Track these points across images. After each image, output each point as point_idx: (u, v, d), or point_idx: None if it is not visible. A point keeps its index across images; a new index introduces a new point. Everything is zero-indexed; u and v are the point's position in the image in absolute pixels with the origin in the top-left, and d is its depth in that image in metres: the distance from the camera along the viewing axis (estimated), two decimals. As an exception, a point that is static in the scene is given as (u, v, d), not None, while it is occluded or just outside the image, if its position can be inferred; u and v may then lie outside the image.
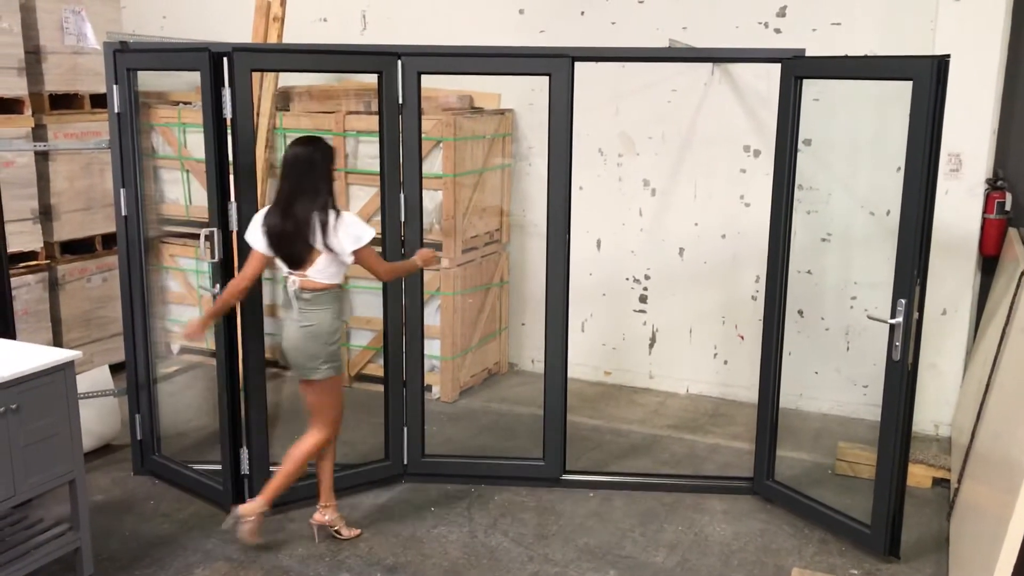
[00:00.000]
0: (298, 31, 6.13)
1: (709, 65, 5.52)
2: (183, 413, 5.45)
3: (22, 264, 5.45)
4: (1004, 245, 4.97)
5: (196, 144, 5.81)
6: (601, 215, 5.92)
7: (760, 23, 5.37)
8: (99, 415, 4.80)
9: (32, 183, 5.47)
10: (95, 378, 4.80)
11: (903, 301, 3.67)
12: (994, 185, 4.95)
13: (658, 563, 3.93)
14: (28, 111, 5.42)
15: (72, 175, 5.74)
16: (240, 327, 4.15)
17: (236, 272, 4.10)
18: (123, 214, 4.45)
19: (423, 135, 4.34)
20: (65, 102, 5.74)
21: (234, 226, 4.05)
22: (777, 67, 4.17)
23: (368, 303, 5.81)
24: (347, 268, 3.80)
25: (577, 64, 4.22)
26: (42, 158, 5.56)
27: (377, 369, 5.65)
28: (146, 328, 4.55)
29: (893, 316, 3.70)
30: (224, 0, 6.70)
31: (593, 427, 5.38)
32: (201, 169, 4.74)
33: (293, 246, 3.70)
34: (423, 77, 4.26)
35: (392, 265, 4.09)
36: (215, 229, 4.04)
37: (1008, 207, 4.95)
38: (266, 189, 5.91)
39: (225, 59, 3.91)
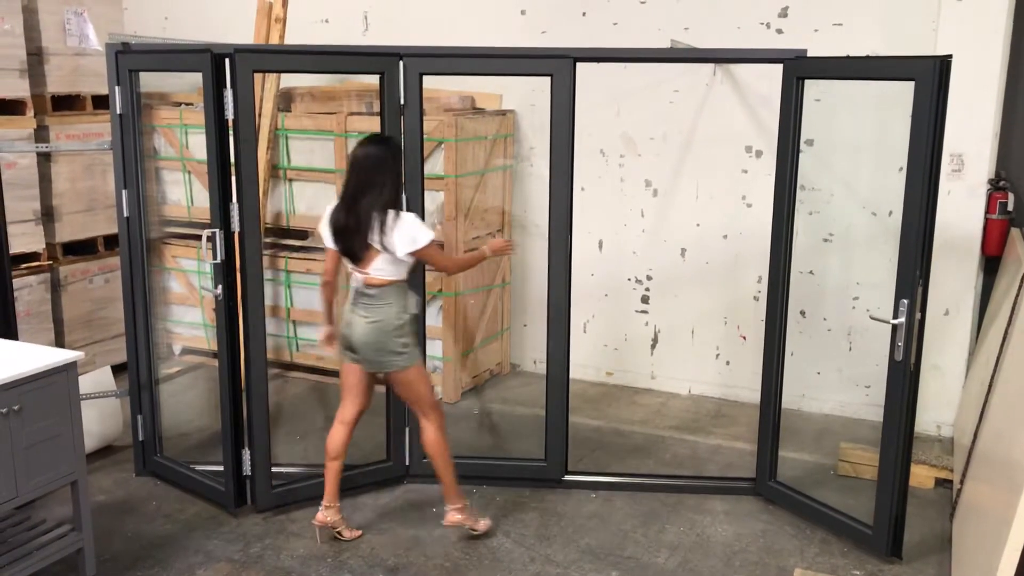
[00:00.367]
0: (300, 32, 6.13)
1: (711, 66, 5.52)
2: (185, 414, 5.46)
3: (24, 265, 5.45)
4: (1006, 245, 4.97)
5: (198, 145, 5.83)
6: (603, 215, 5.92)
7: (762, 24, 5.37)
8: (101, 416, 4.80)
9: (34, 184, 5.48)
10: (97, 379, 4.81)
11: (905, 301, 3.66)
12: (996, 185, 4.95)
13: (660, 564, 3.93)
14: (30, 112, 5.42)
15: (74, 176, 5.74)
16: (242, 328, 4.15)
17: (237, 273, 4.10)
18: (125, 215, 4.45)
19: (424, 136, 4.35)
20: (67, 103, 5.75)
21: (236, 227, 4.05)
22: (779, 68, 4.17)
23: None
24: (411, 264, 3.85)
25: (579, 65, 4.22)
26: (44, 159, 5.57)
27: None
28: (148, 329, 4.55)
29: (895, 316, 3.70)
30: (226, 1, 6.71)
31: (595, 428, 5.38)
32: (203, 170, 4.74)
33: (353, 242, 3.75)
34: (424, 78, 4.26)
35: (459, 259, 4.13)
36: (217, 230, 4.04)
37: (1010, 207, 4.94)
38: (268, 190, 5.93)
39: (227, 60, 3.91)
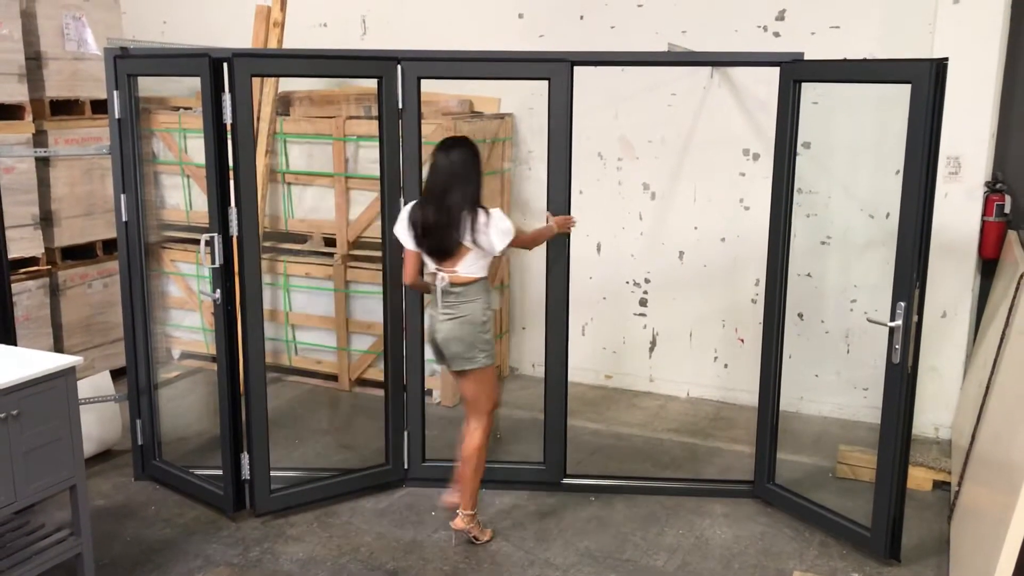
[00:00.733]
0: (298, 36, 6.14)
1: (708, 69, 5.53)
2: (184, 418, 5.46)
3: (23, 270, 5.45)
4: (1003, 248, 4.98)
5: (196, 149, 5.83)
6: (601, 219, 5.92)
7: (759, 27, 5.38)
8: (100, 420, 4.80)
9: (33, 189, 5.48)
10: (96, 383, 4.81)
11: (903, 304, 3.67)
12: (993, 188, 4.96)
13: (659, 567, 3.93)
14: (29, 117, 5.42)
15: (73, 181, 5.75)
16: (241, 332, 4.15)
17: (236, 277, 4.11)
18: (124, 219, 4.45)
19: (423, 139, 4.35)
20: (66, 108, 5.75)
21: (234, 231, 4.05)
22: (776, 71, 4.18)
23: (369, 307, 5.82)
24: (491, 260, 3.91)
25: (576, 68, 4.23)
26: (43, 164, 5.57)
27: (377, 374, 5.66)
28: (147, 333, 4.55)
29: (893, 319, 3.70)
30: (224, 6, 6.72)
31: (594, 431, 5.38)
32: (201, 174, 4.75)
33: (443, 241, 3.80)
34: (422, 82, 4.27)
35: (533, 234, 4.19)
36: (216, 234, 4.05)
37: (1007, 210, 4.95)
38: (266, 194, 5.94)
39: (225, 64, 3.92)
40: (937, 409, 5.13)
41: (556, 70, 4.20)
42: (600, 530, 4.23)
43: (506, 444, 5.16)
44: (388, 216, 4.36)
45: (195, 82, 4.03)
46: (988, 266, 5.13)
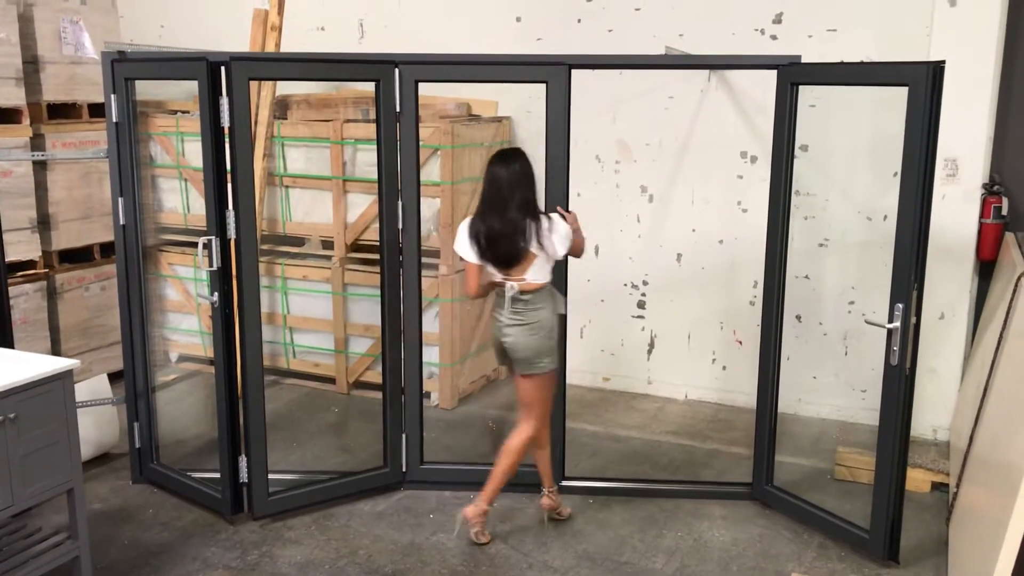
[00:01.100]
0: (296, 40, 6.14)
1: (706, 72, 5.54)
2: (181, 421, 5.45)
3: (20, 273, 5.45)
4: (1001, 249, 4.98)
5: (194, 153, 5.83)
6: (599, 221, 5.92)
7: (756, 30, 5.39)
8: (97, 424, 4.80)
9: (30, 192, 5.47)
10: (93, 387, 4.80)
11: (901, 306, 3.67)
12: (990, 190, 4.97)
13: (657, 569, 3.93)
14: (26, 121, 5.42)
15: (70, 184, 5.74)
16: (238, 335, 4.15)
17: (234, 280, 4.10)
18: (121, 223, 4.45)
19: (420, 143, 4.35)
20: (63, 111, 5.75)
21: (232, 234, 4.05)
22: (773, 73, 4.19)
23: (367, 310, 5.82)
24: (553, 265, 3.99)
25: (574, 72, 4.23)
26: (40, 167, 5.57)
27: (375, 376, 5.66)
28: (144, 337, 4.55)
29: (891, 321, 3.71)
30: (222, 9, 6.72)
31: (592, 433, 5.38)
32: (199, 178, 4.75)
33: (510, 249, 3.87)
34: (420, 85, 4.27)
35: (576, 238, 4.17)
36: (213, 237, 4.04)
37: (1005, 212, 4.96)
38: (264, 197, 5.94)
39: (223, 68, 3.91)
40: (935, 411, 5.13)
41: (554, 73, 4.20)
42: (598, 532, 4.23)
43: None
44: (385, 219, 4.36)
45: (192, 86, 4.03)
46: (986, 268, 5.14)
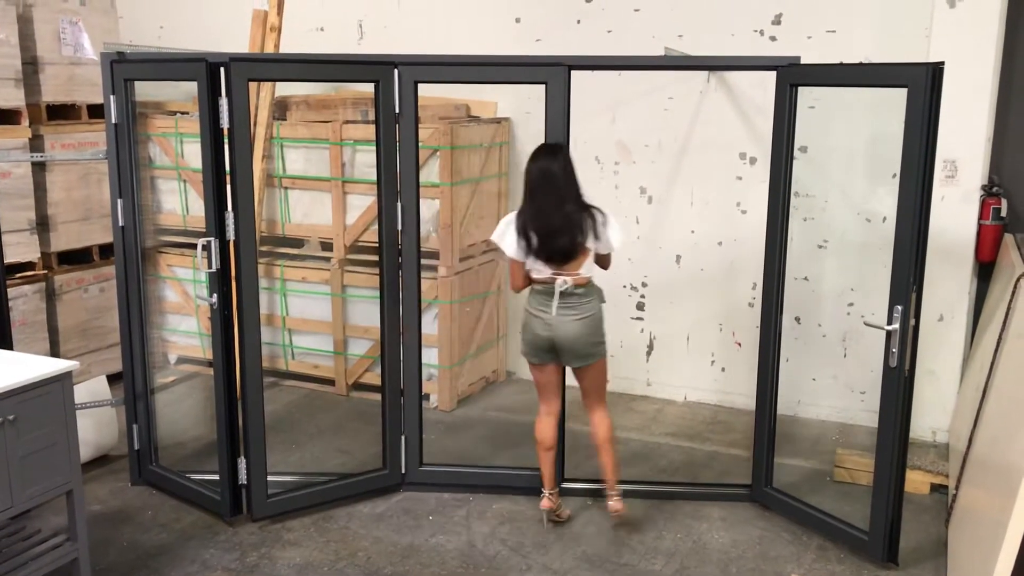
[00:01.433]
0: (295, 41, 6.14)
1: (705, 73, 5.54)
2: (181, 423, 5.45)
3: (19, 274, 5.44)
4: (1000, 251, 4.98)
5: (193, 154, 5.82)
6: (598, 223, 5.92)
7: (756, 31, 5.39)
8: (96, 425, 4.79)
9: (29, 193, 5.47)
10: (92, 388, 4.79)
11: (900, 307, 3.67)
12: (989, 191, 4.97)
13: (656, 571, 3.93)
14: (25, 122, 5.42)
15: (69, 185, 5.74)
16: (237, 336, 4.15)
17: (233, 281, 4.10)
18: (120, 224, 4.45)
19: (420, 144, 4.35)
20: (62, 112, 5.74)
21: (231, 235, 4.05)
22: (773, 75, 4.19)
23: (366, 311, 5.81)
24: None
25: (573, 72, 4.22)
26: (39, 168, 5.57)
27: (374, 378, 5.65)
28: (143, 338, 4.55)
29: (890, 322, 3.71)
30: (221, 10, 6.72)
31: (591, 434, 5.36)
32: (198, 179, 4.75)
33: (568, 245, 3.91)
34: (419, 86, 4.27)
35: None
36: (212, 238, 4.04)
37: (1004, 213, 4.96)
38: (263, 198, 5.93)
39: (222, 69, 3.91)
40: (934, 412, 5.13)
41: (553, 74, 4.20)
42: (598, 534, 4.23)
43: (505, 449, 5.15)
44: (385, 220, 4.36)
45: (192, 86, 4.02)
46: (985, 269, 5.14)
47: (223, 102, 3.94)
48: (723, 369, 5.85)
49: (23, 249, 5.45)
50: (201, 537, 4.16)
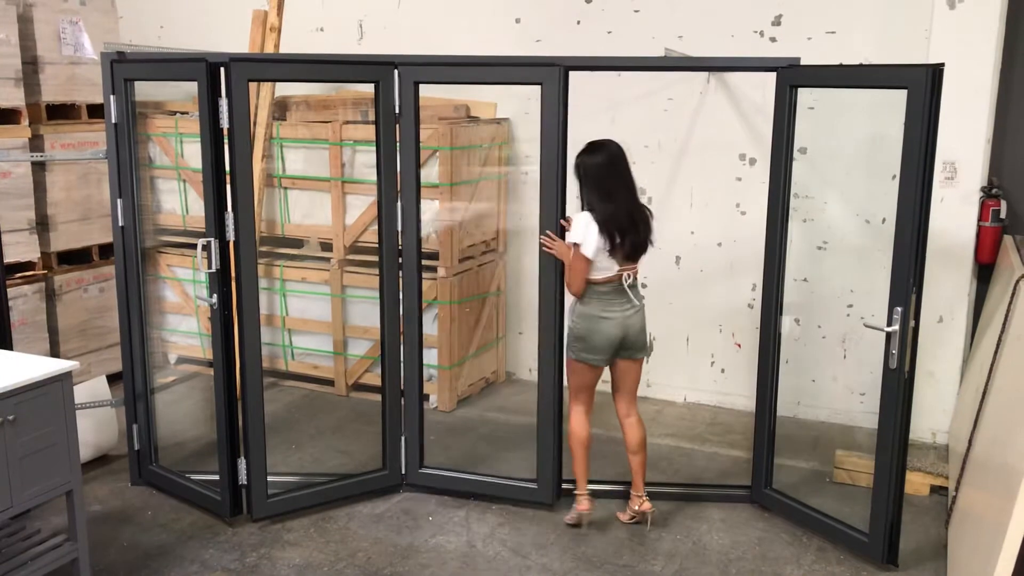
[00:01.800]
0: (295, 41, 6.14)
1: (705, 74, 5.54)
2: (181, 423, 5.44)
3: (19, 274, 5.44)
4: (999, 253, 4.99)
5: (193, 154, 5.82)
6: (598, 224, 5.92)
7: (755, 32, 5.39)
8: (96, 425, 4.79)
9: (29, 193, 5.47)
10: (92, 388, 4.79)
11: (899, 309, 3.67)
12: (989, 193, 4.97)
13: (656, 572, 3.93)
14: (25, 121, 5.42)
15: (69, 185, 5.74)
16: (237, 336, 4.15)
17: (233, 281, 4.10)
18: (120, 224, 4.45)
19: (420, 144, 4.34)
20: (62, 112, 5.74)
21: (231, 235, 4.05)
22: (772, 76, 4.19)
23: (365, 312, 5.81)
24: None
25: (573, 73, 4.21)
26: (39, 168, 5.57)
27: (374, 378, 5.65)
28: (143, 338, 4.54)
29: (890, 324, 3.71)
30: (221, 10, 6.72)
31: (591, 435, 5.36)
32: (198, 179, 4.74)
33: (643, 240, 4.05)
34: (420, 87, 4.26)
35: None
36: (212, 239, 4.04)
37: (1003, 215, 4.96)
38: (263, 198, 5.93)
39: (222, 69, 3.91)
40: (934, 414, 5.13)
41: (549, 75, 4.12)
42: (597, 535, 4.23)
43: (505, 450, 5.15)
44: (385, 220, 4.36)
45: (192, 86, 4.03)
46: (984, 271, 5.14)
47: (223, 102, 3.94)
48: (723, 370, 5.86)
49: (23, 249, 5.45)
50: (201, 537, 4.16)
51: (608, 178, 3.95)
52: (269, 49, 5.80)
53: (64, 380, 3.44)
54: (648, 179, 5.82)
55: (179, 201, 6.21)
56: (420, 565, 3.95)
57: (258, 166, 5.71)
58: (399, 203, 4.36)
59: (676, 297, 5.87)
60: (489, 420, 5.65)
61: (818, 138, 5.18)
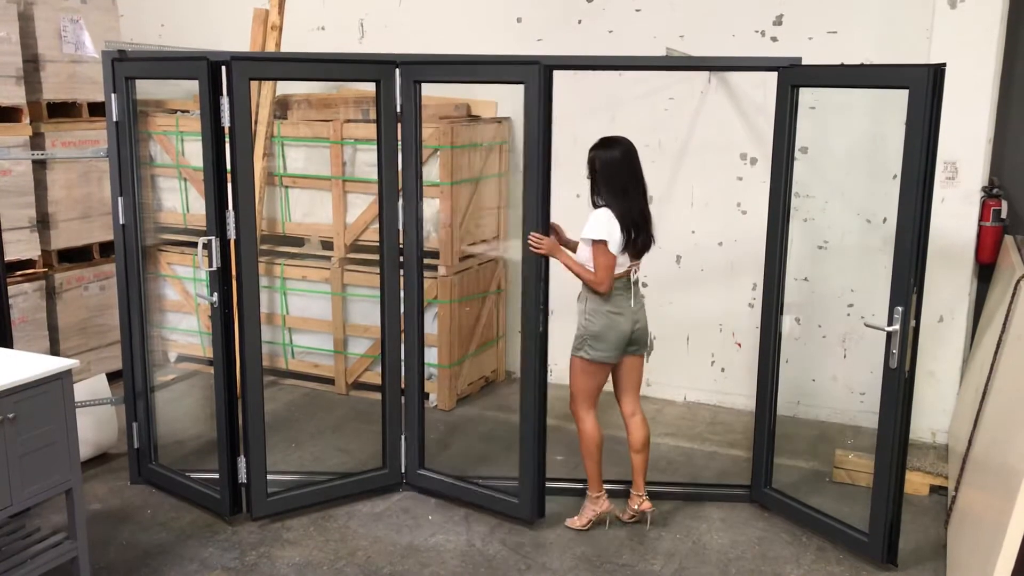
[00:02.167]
0: (296, 40, 6.14)
1: (706, 73, 5.53)
2: (180, 421, 5.45)
3: (19, 272, 5.44)
4: (1000, 252, 4.98)
5: (193, 152, 5.83)
6: (598, 223, 5.91)
7: (757, 31, 5.39)
8: (96, 424, 4.79)
9: (30, 191, 5.47)
10: (92, 387, 4.79)
11: (900, 309, 3.67)
12: (990, 193, 4.97)
13: (656, 571, 3.93)
14: (26, 119, 5.42)
15: (70, 183, 5.74)
16: (238, 335, 4.15)
17: (233, 280, 4.10)
18: (121, 222, 4.45)
19: (422, 143, 4.34)
20: (63, 110, 5.75)
21: (232, 234, 4.05)
22: (773, 75, 4.19)
23: (366, 310, 5.81)
24: None
25: (574, 73, 4.19)
26: (40, 166, 5.57)
27: (374, 377, 5.65)
28: (143, 336, 4.54)
29: (890, 324, 3.71)
30: (222, 9, 6.72)
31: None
32: (198, 177, 4.74)
33: (651, 235, 4.09)
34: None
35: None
36: (213, 237, 4.04)
37: (1004, 215, 4.96)
38: (264, 197, 5.93)
39: (223, 68, 3.91)
40: (934, 414, 5.13)
41: (530, 73, 3.93)
42: (597, 534, 4.23)
43: (504, 451, 5.14)
44: (386, 219, 4.36)
45: (193, 85, 4.03)
46: (985, 271, 5.14)
47: (224, 101, 3.94)
48: (723, 369, 5.85)
49: (23, 247, 5.45)
50: (200, 536, 4.16)
51: (623, 174, 3.98)
52: (270, 48, 5.81)
53: (64, 378, 3.44)
54: (649, 178, 5.74)
55: (180, 199, 6.22)
56: (420, 564, 3.95)
57: (259, 164, 5.71)
58: (400, 202, 4.36)
59: (676, 296, 5.87)
60: (489, 419, 5.65)
61: (819, 138, 5.18)
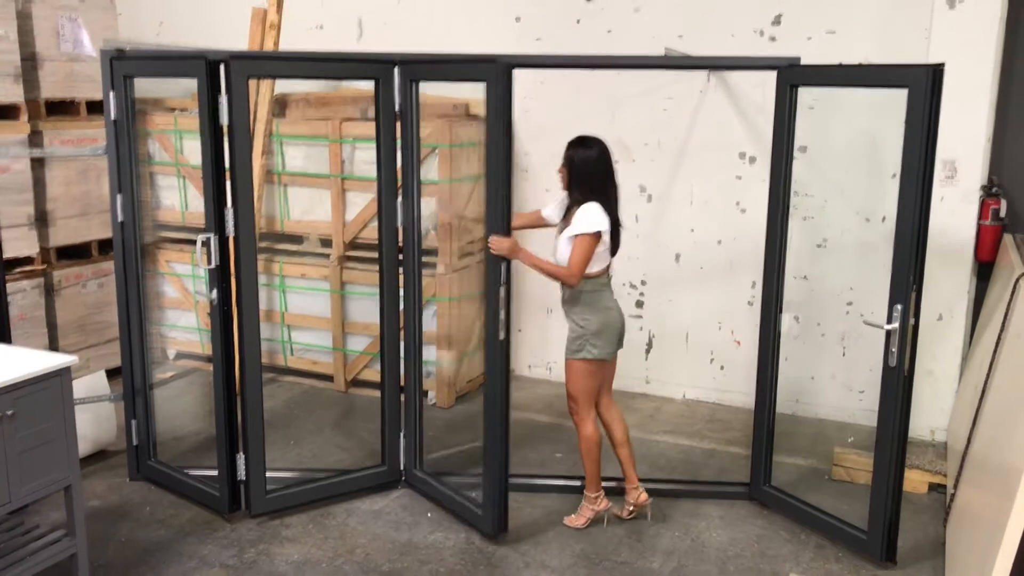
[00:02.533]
0: (294, 38, 6.13)
1: (705, 73, 5.54)
2: (179, 418, 5.45)
3: (18, 269, 5.44)
4: (999, 251, 4.99)
5: (192, 150, 5.82)
6: (597, 221, 5.92)
7: (755, 31, 5.39)
8: (95, 421, 4.79)
9: (28, 188, 5.47)
10: (91, 383, 4.79)
11: (899, 307, 3.68)
12: (989, 192, 4.98)
13: (655, 569, 3.93)
14: (24, 117, 5.41)
15: (68, 181, 5.74)
16: (236, 332, 4.15)
17: (232, 277, 4.10)
18: (119, 220, 4.44)
19: (421, 142, 4.34)
20: (61, 109, 5.74)
21: (231, 232, 4.04)
22: (773, 74, 4.19)
23: (364, 308, 5.81)
24: None
25: (575, 72, 4.18)
26: (38, 164, 5.56)
27: (373, 374, 5.65)
28: (142, 333, 4.54)
29: (889, 322, 3.71)
30: (220, 7, 6.71)
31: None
32: (197, 175, 4.74)
33: (619, 235, 4.09)
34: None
35: None
36: (212, 235, 4.04)
37: (1003, 214, 4.97)
38: (262, 195, 5.93)
39: (222, 66, 3.91)
40: (933, 412, 5.14)
41: (490, 72, 3.77)
42: (596, 532, 4.23)
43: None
44: (384, 218, 4.36)
45: (191, 83, 4.02)
46: (984, 269, 5.14)
47: (223, 99, 3.93)
48: (722, 367, 5.86)
49: (22, 244, 5.45)
50: (199, 533, 4.16)
51: (601, 173, 4.00)
52: (268, 46, 5.80)
53: (63, 375, 3.44)
54: (648, 177, 5.83)
55: (178, 197, 6.21)
56: (419, 561, 3.95)
57: (258, 162, 5.71)
58: (399, 200, 4.36)
59: (676, 294, 5.87)
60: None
61: (818, 137, 5.18)
